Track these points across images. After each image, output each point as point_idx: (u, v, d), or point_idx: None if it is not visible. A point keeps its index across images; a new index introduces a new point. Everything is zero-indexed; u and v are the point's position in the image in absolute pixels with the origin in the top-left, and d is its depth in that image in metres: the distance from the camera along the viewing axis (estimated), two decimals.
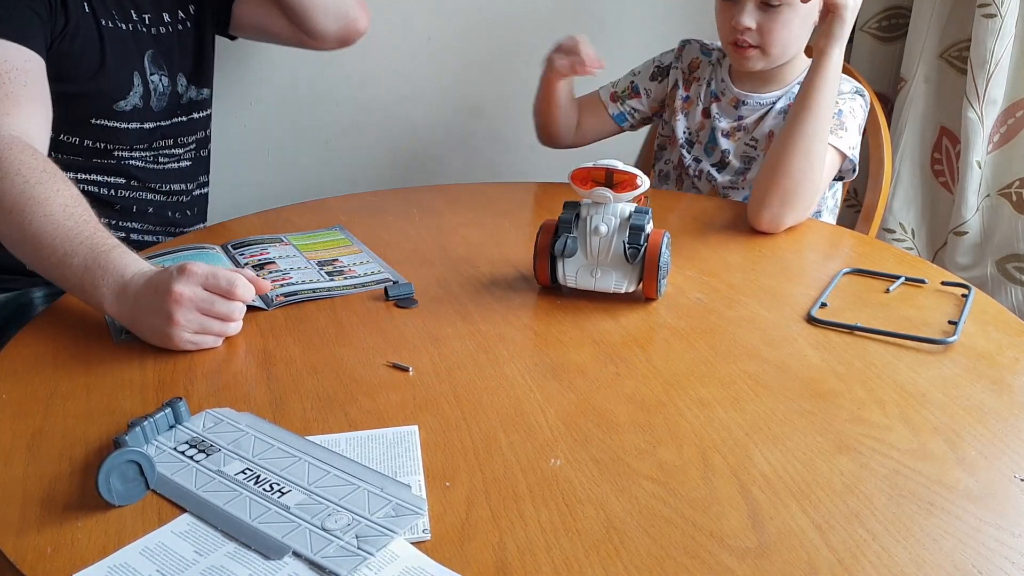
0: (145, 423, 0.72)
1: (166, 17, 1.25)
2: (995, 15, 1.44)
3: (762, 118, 1.31)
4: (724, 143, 1.33)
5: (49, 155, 1.16)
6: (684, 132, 1.37)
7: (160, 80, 1.23)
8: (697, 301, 0.98)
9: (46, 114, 1.06)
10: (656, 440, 0.73)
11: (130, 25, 1.20)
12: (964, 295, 0.98)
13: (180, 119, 1.29)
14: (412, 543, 0.61)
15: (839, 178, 1.28)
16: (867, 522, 0.63)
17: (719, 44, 1.36)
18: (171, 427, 0.74)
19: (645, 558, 0.59)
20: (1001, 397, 0.79)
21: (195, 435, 0.73)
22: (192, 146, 1.33)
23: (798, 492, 0.66)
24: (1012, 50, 1.47)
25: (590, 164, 0.96)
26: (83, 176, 1.21)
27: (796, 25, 1.22)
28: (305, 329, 0.92)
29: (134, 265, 0.88)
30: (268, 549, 0.60)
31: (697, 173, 1.36)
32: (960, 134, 1.55)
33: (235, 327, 0.89)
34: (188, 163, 1.32)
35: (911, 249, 1.71)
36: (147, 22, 1.22)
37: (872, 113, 1.44)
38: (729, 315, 0.95)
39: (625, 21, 1.87)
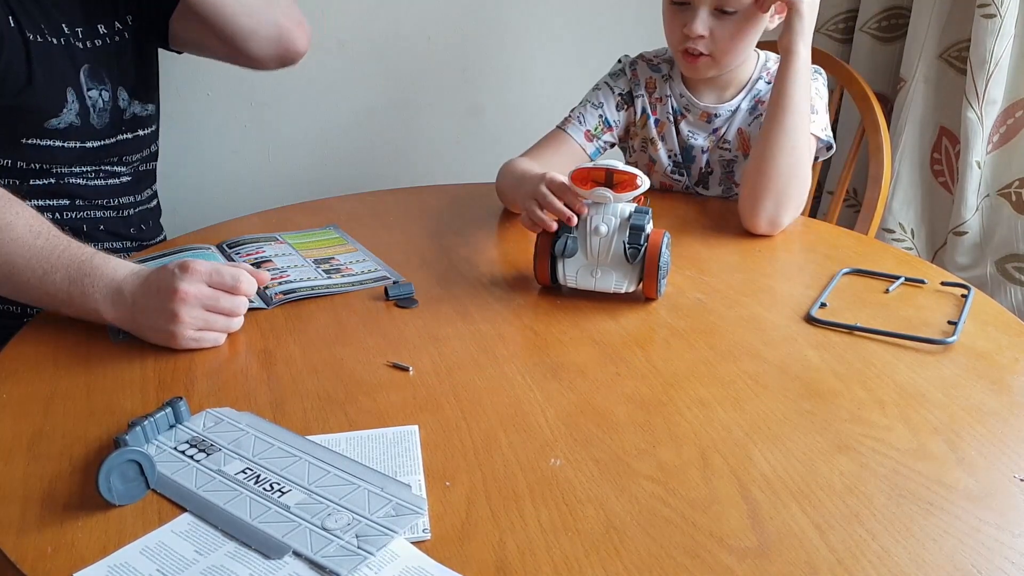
0: (145, 423, 0.72)
1: (101, 29, 1.19)
2: (995, 15, 1.44)
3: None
4: (704, 158, 1.31)
5: None
6: (669, 157, 1.33)
7: (100, 95, 1.17)
8: (697, 301, 0.98)
9: None
10: (656, 440, 0.73)
11: (61, 39, 1.14)
12: (964, 295, 0.98)
13: (124, 136, 1.23)
14: (412, 543, 0.61)
15: (814, 158, 1.27)
16: (867, 522, 0.63)
17: (664, 54, 1.33)
18: (171, 427, 0.74)
19: (645, 558, 0.59)
20: (1001, 397, 0.79)
21: (195, 435, 0.73)
22: (136, 163, 1.27)
23: (798, 492, 0.66)
24: (1012, 50, 1.47)
25: (590, 164, 0.96)
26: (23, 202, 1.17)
27: (749, 32, 1.19)
28: (305, 329, 0.92)
29: (123, 267, 0.88)
30: (268, 548, 0.60)
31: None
32: (960, 134, 1.55)
33: (238, 322, 0.89)
34: (129, 178, 1.26)
35: (911, 249, 1.71)
36: (80, 35, 1.16)
37: (871, 113, 1.44)
38: (729, 315, 0.95)
39: (623, 20, 1.87)
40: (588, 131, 1.31)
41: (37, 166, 1.15)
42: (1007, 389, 0.81)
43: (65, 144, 1.16)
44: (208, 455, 0.70)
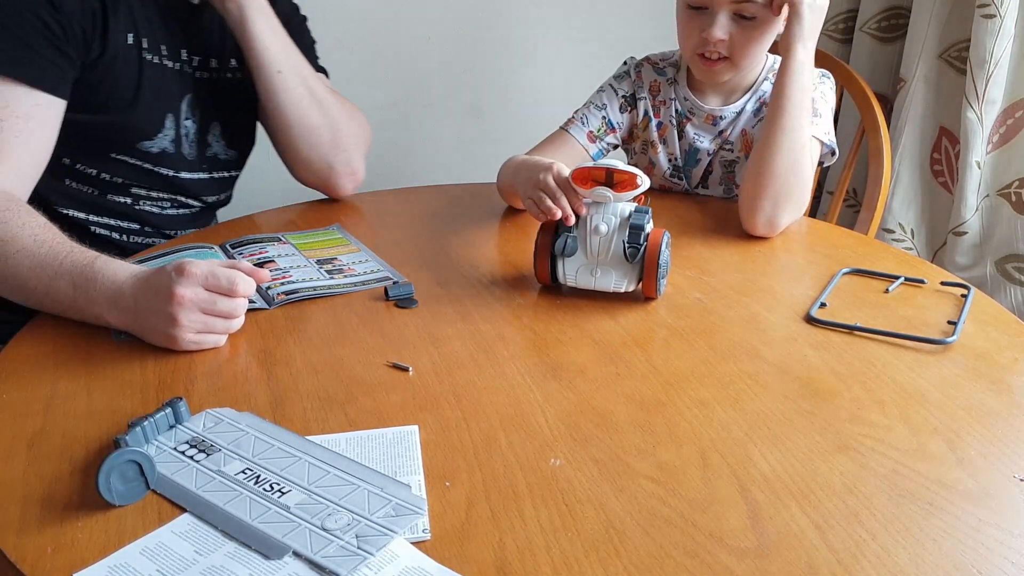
0: (145, 423, 0.72)
1: (213, 63, 1.21)
2: (995, 15, 1.44)
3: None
4: (707, 160, 1.31)
5: (63, 181, 1.14)
6: (668, 161, 1.33)
7: (192, 126, 1.19)
8: (697, 301, 0.98)
9: (34, 164, 1.03)
10: (656, 440, 0.73)
11: (178, 64, 1.16)
12: (963, 295, 0.98)
13: (201, 175, 1.24)
14: (412, 543, 0.61)
15: (819, 163, 1.27)
16: (867, 522, 0.63)
17: (670, 58, 1.33)
18: (171, 427, 0.74)
19: (645, 558, 0.59)
20: (1001, 397, 0.79)
21: (195, 435, 0.73)
22: (211, 201, 1.29)
23: (798, 492, 0.66)
24: (1011, 50, 1.47)
25: (590, 164, 0.96)
26: (95, 218, 1.18)
27: (766, 35, 1.19)
28: (305, 329, 0.92)
29: (124, 270, 0.88)
30: (268, 549, 0.60)
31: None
32: (959, 134, 1.55)
33: (238, 323, 0.89)
34: (199, 210, 1.28)
35: (910, 249, 1.71)
36: (194, 64, 1.18)
37: (871, 113, 1.44)
38: (729, 315, 0.95)
39: (624, 22, 1.87)
40: (591, 132, 1.31)
41: (119, 181, 1.17)
42: (1007, 389, 0.81)
43: (155, 168, 1.17)
44: (208, 455, 0.70)
